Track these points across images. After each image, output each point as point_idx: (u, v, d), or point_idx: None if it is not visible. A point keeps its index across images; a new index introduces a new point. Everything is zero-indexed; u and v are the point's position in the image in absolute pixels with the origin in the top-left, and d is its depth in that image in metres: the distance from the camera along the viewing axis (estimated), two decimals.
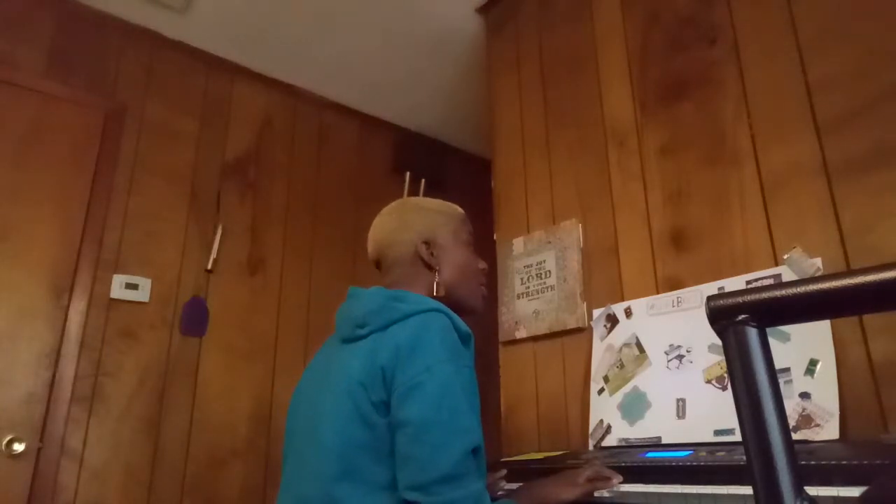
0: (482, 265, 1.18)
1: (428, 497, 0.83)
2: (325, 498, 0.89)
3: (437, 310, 0.98)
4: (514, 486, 1.18)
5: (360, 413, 0.91)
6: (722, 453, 1.03)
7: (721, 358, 1.33)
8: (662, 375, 1.44)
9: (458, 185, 3.39)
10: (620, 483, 1.03)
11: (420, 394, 0.88)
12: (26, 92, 2.16)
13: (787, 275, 1.29)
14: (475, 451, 0.89)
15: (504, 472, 1.26)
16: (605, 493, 1.03)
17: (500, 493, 1.19)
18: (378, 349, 0.95)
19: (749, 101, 1.49)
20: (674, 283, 1.55)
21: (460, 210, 1.20)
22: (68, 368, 2.05)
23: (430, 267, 1.11)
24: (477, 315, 1.17)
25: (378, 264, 1.17)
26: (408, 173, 3.18)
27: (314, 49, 2.65)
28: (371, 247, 1.17)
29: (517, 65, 2.21)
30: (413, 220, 1.14)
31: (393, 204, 1.20)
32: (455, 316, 1.00)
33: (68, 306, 2.10)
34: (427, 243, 1.11)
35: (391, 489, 0.88)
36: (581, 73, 1.94)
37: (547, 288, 1.85)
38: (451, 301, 1.09)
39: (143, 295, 2.26)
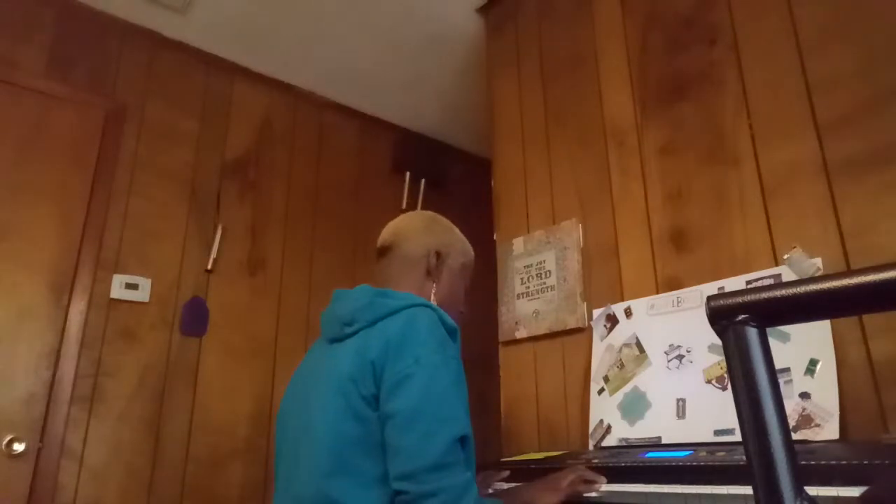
0: (463, 308, 1.24)
1: (417, 485, 0.84)
2: (320, 494, 0.90)
3: (425, 305, 1.01)
4: (509, 486, 1.18)
5: (351, 408, 0.92)
6: (722, 453, 1.03)
7: (721, 358, 1.33)
8: (662, 375, 1.44)
9: (458, 185, 3.39)
10: (605, 484, 1.03)
11: (409, 385, 0.89)
12: (26, 92, 2.16)
13: (787, 275, 1.29)
14: (463, 441, 0.90)
15: (507, 473, 1.26)
16: (594, 494, 1.03)
17: (490, 491, 1.21)
18: (367, 344, 0.96)
19: (749, 101, 1.49)
20: (674, 283, 1.55)
21: (474, 255, 1.27)
22: (68, 368, 2.05)
23: (429, 274, 1.15)
24: None
25: (383, 251, 1.18)
26: (408, 173, 3.17)
27: (314, 49, 2.65)
28: (387, 233, 1.20)
29: (517, 65, 2.21)
30: (439, 231, 1.20)
31: (426, 212, 1.26)
32: (441, 311, 1.02)
33: (68, 306, 2.09)
34: (439, 255, 1.16)
35: (384, 483, 0.89)
36: (581, 73, 1.94)
37: (547, 288, 1.85)
38: None
39: (143, 295, 2.26)
